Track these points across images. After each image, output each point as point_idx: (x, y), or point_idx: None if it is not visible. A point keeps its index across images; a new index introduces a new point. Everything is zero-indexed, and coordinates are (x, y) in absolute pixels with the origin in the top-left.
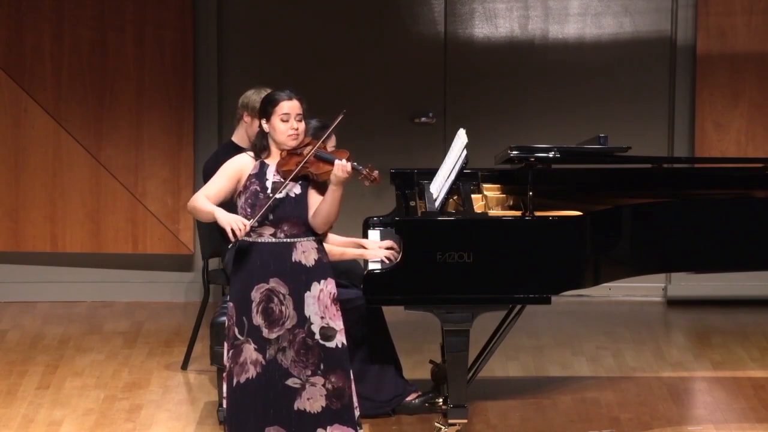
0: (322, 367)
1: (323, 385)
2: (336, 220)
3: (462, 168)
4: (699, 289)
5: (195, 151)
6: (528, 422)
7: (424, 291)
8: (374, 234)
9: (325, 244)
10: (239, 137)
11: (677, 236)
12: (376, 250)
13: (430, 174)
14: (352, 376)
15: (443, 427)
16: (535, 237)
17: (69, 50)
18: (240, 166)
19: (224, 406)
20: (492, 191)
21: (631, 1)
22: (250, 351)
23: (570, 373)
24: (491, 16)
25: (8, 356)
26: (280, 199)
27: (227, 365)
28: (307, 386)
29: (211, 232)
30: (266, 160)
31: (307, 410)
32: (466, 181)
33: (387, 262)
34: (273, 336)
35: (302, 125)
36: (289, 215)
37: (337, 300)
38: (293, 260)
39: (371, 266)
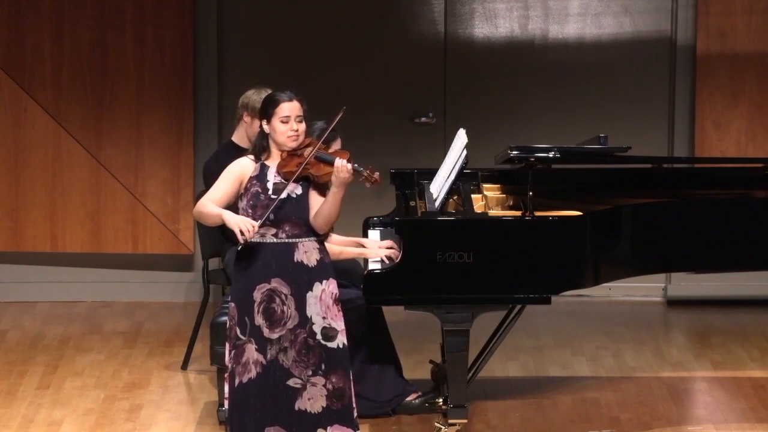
0: (323, 367)
1: (324, 386)
2: (337, 221)
3: (462, 168)
4: (699, 289)
5: (195, 151)
6: (528, 422)
7: (424, 291)
8: (374, 234)
9: (325, 243)
10: (239, 137)
11: (677, 236)
12: (375, 249)
13: (430, 174)
14: (352, 377)
15: (443, 427)
16: (535, 237)
17: (69, 50)
18: (241, 168)
19: (225, 406)
20: (492, 191)
21: (631, 1)
22: (251, 351)
23: (570, 373)
24: (491, 16)
25: (8, 356)
26: (281, 199)
27: (229, 365)
28: (307, 386)
29: (211, 232)
30: (266, 162)
31: (308, 410)
32: (466, 181)
33: (387, 261)
34: (274, 336)
35: (302, 126)
36: (291, 216)
37: (339, 300)
38: (295, 260)
39: (371, 266)
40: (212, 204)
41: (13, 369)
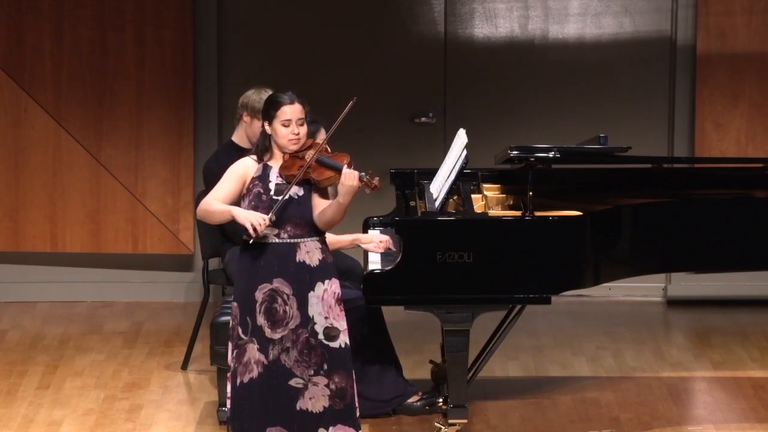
0: (325, 367)
1: (326, 386)
2: (341, 222)
3: (462, 168)
4: (699, 289)
5: (195, 151)
6: (528, 422)
7: (424, 291)
8: (374, 234)
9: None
10: (239, 137)
11: (677, 236)
12: (369, 236)
13: (430, 174)
14: (354, 376)
15: (443, 427)
16: (535, 237)
17: (69, 50)
18: (244, 168)
19: (227, 405)
20: (492, 191)
21: (631, 1)
22: (253, 351)
23: (570, 373)
24: (491, 16)
25: (8, 356)
26: (283, 200)
27: (232, 365)
28: (309, 386)
29: (211, 233)
30: (269, 162)
31: (310, 410)
32: (466, 181)
33: (380, 251)
34: (276, 336)
35: (303, 129)
36: (293, 216)
37: (342, 300)
38: (297, 260)
39: (371, 266)
40: (218, 202)
41: (13, 369)
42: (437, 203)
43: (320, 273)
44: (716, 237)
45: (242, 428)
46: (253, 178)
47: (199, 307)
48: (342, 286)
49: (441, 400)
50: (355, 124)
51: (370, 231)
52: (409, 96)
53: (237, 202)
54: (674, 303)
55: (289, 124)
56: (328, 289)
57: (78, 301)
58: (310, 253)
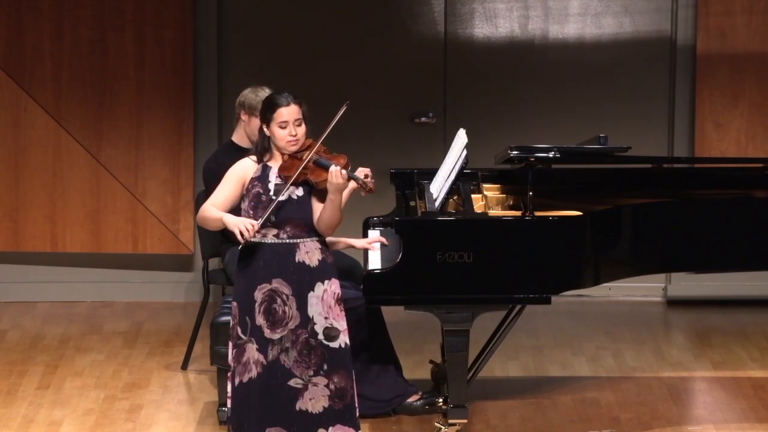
0: (325, 367)
1: (326, 386)
2: (341, 223)
3: (462, 168)
4: (699, 289)
5: (195, 151)
6: (528, 422)
7: (424, 291)
8: (374, 234)
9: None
10: (239, 137)
11: (677, 236)
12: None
13: (430, 174)
14: (354, 376)
15: (443, 427)
16: (535, 237)
17: (69, 50)
18: (243, 171)
19: (228, 405)
20: (492, 191)
21: (631, 1)
22: (252, 351)
23: (570, 373)
24: (491, 16)
25: (8, 356)
26: (282, 201)
27: (232, 365)
28: (309, 386)
29: (211, 233)
30: (269, 162)
31: (309, 410)
32: (466, 181)
33: (376, 248)
34: (276, 336)
35: (301, 129)
36: (292, 217)
37: (342, 300)
38: (297, 261)
39: (371, 266)
40: (214, 208)
41: (13, 369)
42: (437, 203)
43: (320, 273)
44: (716, 237)
45: (241, 428)
46: (252, 178)
47: (199, 307)
48: (342, 286)
49: (441, 400)
50: (355, 124)
51: (370, 231)
52: (409, 96)
53: (237, 204)
54: (674, 303)
55: (287, 125)
56: (328, 289)
57: (78, 301)
58: (309, 253)
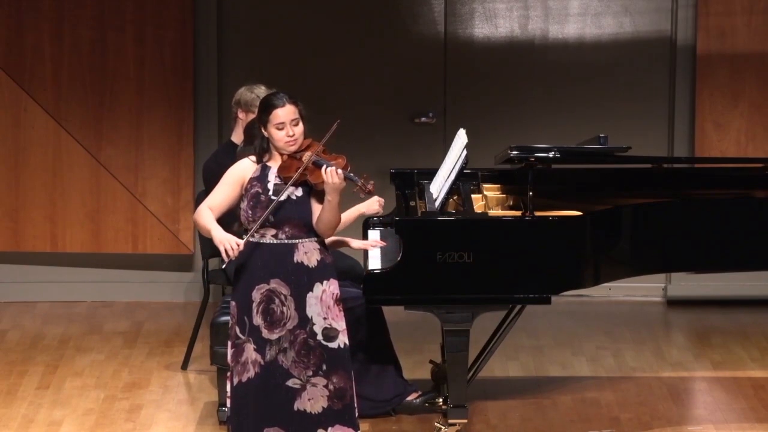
0: (324, 367)
1: (325, 386)
2: (340, 223)
3: (462, 168)
4: (699, 289)
5: (195, 151)
6: (528, 422)
7: (424, 291)
8: (374, 234)
9: None
10: (238, 137)
11: (677, 236)
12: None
13: (430, 174)
14: (353, 376)
15: (443, 427)
16: (535, 237)
17: (69, 50)
18: (241, 171)
19: (227, 405)
20: (492, 191)
21: (631, 1)
22: (250, 351)
23: (570, 373)
24: (491, 16)
25: (8, 356)
26: (281, 201)
27: (231, 364)
28: (307, 387)
29: None
30: (268, 163)
31: (308, 411)
32: (466, 181)
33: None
34: (273, 337)
35: (299, 129)
36: (291, 217)
37: (341, 300)
38: (295, 261)
39: (371, 266)
40: (208, 214)
41: (13, 369)
42: (437, 203)
43: (319, 273)
44: (716, 237)
45: (240, 428)
46: (251, 178)
47: (199, 307)
48: (341, 286)
49: (441, 400)
50: (355, 124)
51: (369, 231)
52: (409, 96)
53: (235, 205)
54: (674, 303)
55: (283, 126)
56: (327, 289)
57: (78, 301)
58: (308, 253)
